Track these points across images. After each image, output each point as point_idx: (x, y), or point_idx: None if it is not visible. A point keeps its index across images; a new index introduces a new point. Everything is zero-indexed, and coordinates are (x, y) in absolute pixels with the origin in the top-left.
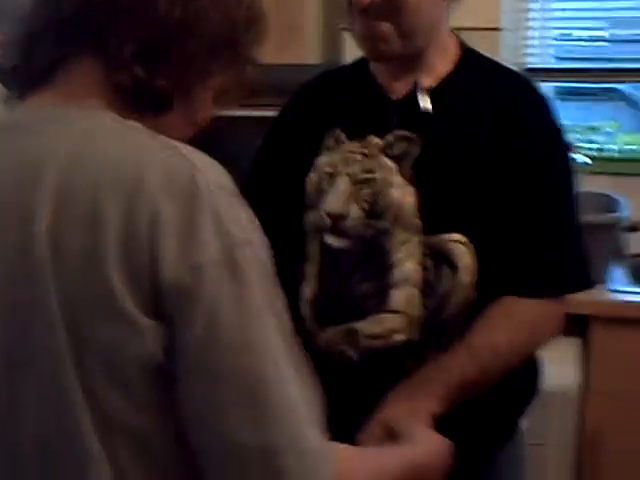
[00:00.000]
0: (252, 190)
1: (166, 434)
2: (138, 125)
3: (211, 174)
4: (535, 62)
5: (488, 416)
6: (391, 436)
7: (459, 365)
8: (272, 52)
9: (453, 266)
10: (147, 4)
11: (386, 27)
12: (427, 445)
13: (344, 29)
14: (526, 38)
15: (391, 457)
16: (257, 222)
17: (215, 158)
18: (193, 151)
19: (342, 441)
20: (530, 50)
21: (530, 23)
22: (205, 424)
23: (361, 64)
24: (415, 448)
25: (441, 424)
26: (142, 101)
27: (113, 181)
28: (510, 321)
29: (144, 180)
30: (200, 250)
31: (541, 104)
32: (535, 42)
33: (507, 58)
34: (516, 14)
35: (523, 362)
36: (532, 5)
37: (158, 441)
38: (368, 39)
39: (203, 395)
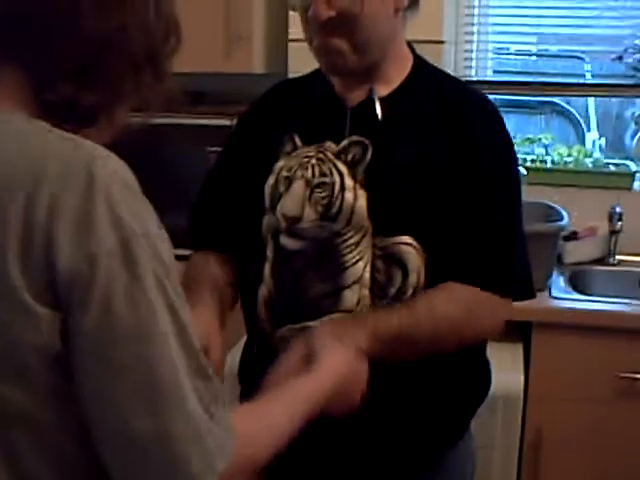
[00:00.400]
0: (213, 194)
1: (69, 427)
2: (44, 123)
3: (110, 166)
4: (474, 75)
5: (439, 416)
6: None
7: (397, 314)
8: (219, 61)
9: (403, 268)
10: (71, 20)
11: (342, 42)
12: (335, 364)
13: (290, 40)
14: (466, 51)
15: (288, 399)
16: (157, 217)
17: (160, 164)
18: (94, 145)
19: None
20: (470, 63)
21: (469, 37)
22: (102, 413)
23: (319, 72)
24: (320, 374)
25: (393, 422)
26: (66, 116)
27: (15, 175)
28: (450, 296)
29: (45, 172)
30: (95, 241)
31: (491, 114)
32: (474, 55)
33: (449, 71)
34: (457, 28)
35: (455, 346)
36: (472, 20)
37: (61, 435)
38: (324, 54)
39: (99, 384)
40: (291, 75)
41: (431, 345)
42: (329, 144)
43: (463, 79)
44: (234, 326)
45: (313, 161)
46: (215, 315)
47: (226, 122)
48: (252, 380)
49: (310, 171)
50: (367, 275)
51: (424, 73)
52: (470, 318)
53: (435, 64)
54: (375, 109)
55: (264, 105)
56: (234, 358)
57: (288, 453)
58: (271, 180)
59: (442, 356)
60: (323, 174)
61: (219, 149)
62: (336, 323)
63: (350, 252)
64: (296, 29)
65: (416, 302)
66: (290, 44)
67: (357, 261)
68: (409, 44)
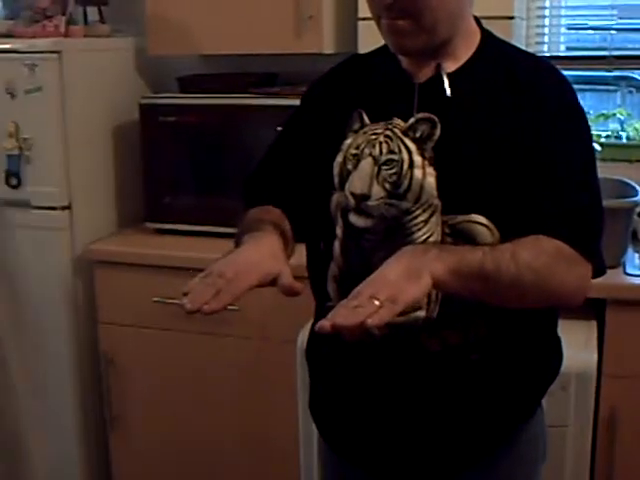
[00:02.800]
0: (279, 173)
1: None
2: None
3: None
4: (546, 51)
5: (510, 395)
6: None
7: (480, 252)
8: (290, 41)
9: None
10: None
11: (409, 24)
12: None
13: (359, 19)
14: (538, 27)
15: None
16: None
17: (231, 144)
18: None
19: (356, 417)
20: (541, 39)
21: (541, 12)
22: None
23: (386, 49)
24: None
25: (464, 398)
26: None
27: None
28: (536, 245)
29: None
30: None
31: (562, 84)
32: (546, 30)
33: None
34: (528, 3)
35: (536, 294)
36: None
37: None
38: (391, 34)
39: None
40: None
41: (510, 291)
42: (397, 121)
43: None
44: (305, 305)
45: (381, 138)
46: (281, 241)
47: (297, 102)
48: (319, 356)
49: (378, 148)
50: None
51: (492, 47)
52: (555, 272)
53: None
54: (443, 85)
55: (331, 81)
56: (304, 337)
57: (358, 427)
58: (339, 158)
59: (513, 332)
60: (391, 151)
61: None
62: (414, 254)
63: (419, 230)
64: (365, 7)
65: (500, 246)
66: (359, 23)
67: (426, 239)
68: (476, 18)
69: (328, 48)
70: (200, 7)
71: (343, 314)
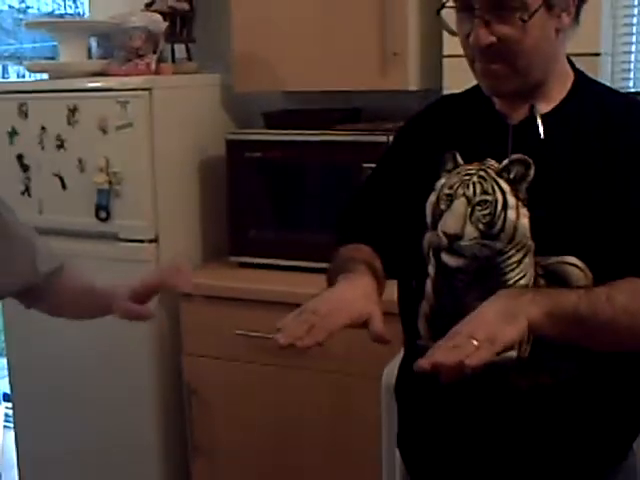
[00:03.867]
0: (372, 211)
1: None
2: None
3: None
4: (632, 87)
5: (600, 436)
6: None
7: (575, 295)
8: (375, 78)
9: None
10: None
11: (503, 67)
12: None
13: (445, 56)
14: (624, 62)
15: None
16: None
17: (316, 180)
18: None
19: (445, 453)
20: (627, 75)
21: (628, 47)
22: None
23: (479, 89)
24: None
25: (553, 441)
26: None
27: None
28: (632, 287)
29: None
30: None
31: None
32: (632, 66)
33: (606, 82)
34: (614, 38)
35: (631, 337)
36: (630, 29)
37: None
38: (486, 78)
39: None
40: (446, 91)
41: (605, 334)
42: (491, 162)
43: (620, 91)
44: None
45: (475, 179)
46: (373, 282)
47: (382, 138)
48: (409, 393)
49: (472, 189)
50: None
51: (585, 88)
52: None
53: (591, 76)
54: (537, 127)
55: (424, 121)
56: (389, 374)
57: (447, 463)
58: (432, 197)
59: (605, 372)
60: (485, 192)
61: (375, 165)
62: (510, 296)
63: (512, 270)
64: (450, 45)
65: (595, 289)
66: (445, 60)
67: (519, 279)
68: (569, 59)
69: (413, 85)
70: (286, 44)
71: (442, 353)
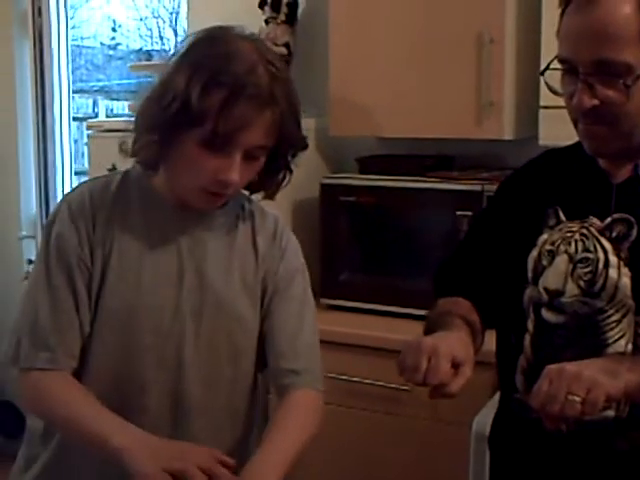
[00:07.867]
0: (472, 263)
1: None
2: None
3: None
4: None
5: None
6: None
7: None
8: (470, 127)
9: None
10: None
11: (606, 130)
12: None
13: (541, 107)
14: None
15: None
16: None
17: (410, 228)
18: None
19: None
20: None
21: None
22: None
23: (582, 146)
24: None
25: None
26: None
27: None
28: None
29: None
30: None
31: None
32: None
33: None
34: None
35: None
36: None
37: None
38: (588, 139)
39: None
40: (541, 142)
41: None
42: (593, 220)
43: None
44: (479, 390)
45: (577, 236)
46: (469, 335)
47: (476, 187)
48: (504, 446)
49: (573, 246)
50: (629, 353)
51: None
52: None
53: None
54: None
55: (528, 175)
56: (480, 422)
57: None
58: (534, 253)
59: None
60: (587, 250)
61: (469, 213)
62: (608, 358)
63: (612, 329)
64: (547, 95)
65: None
66: (541, 110)
67: (618, 339)
68: None
69: (508, 134)
70: (382, 91)
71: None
